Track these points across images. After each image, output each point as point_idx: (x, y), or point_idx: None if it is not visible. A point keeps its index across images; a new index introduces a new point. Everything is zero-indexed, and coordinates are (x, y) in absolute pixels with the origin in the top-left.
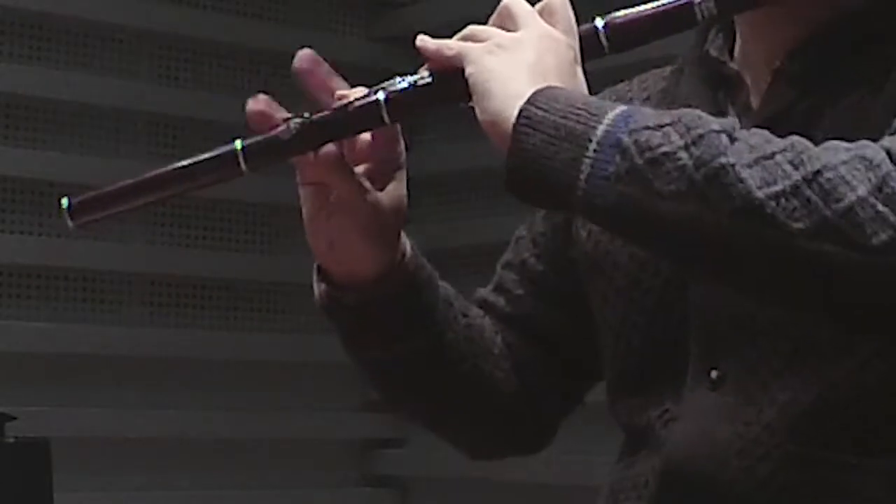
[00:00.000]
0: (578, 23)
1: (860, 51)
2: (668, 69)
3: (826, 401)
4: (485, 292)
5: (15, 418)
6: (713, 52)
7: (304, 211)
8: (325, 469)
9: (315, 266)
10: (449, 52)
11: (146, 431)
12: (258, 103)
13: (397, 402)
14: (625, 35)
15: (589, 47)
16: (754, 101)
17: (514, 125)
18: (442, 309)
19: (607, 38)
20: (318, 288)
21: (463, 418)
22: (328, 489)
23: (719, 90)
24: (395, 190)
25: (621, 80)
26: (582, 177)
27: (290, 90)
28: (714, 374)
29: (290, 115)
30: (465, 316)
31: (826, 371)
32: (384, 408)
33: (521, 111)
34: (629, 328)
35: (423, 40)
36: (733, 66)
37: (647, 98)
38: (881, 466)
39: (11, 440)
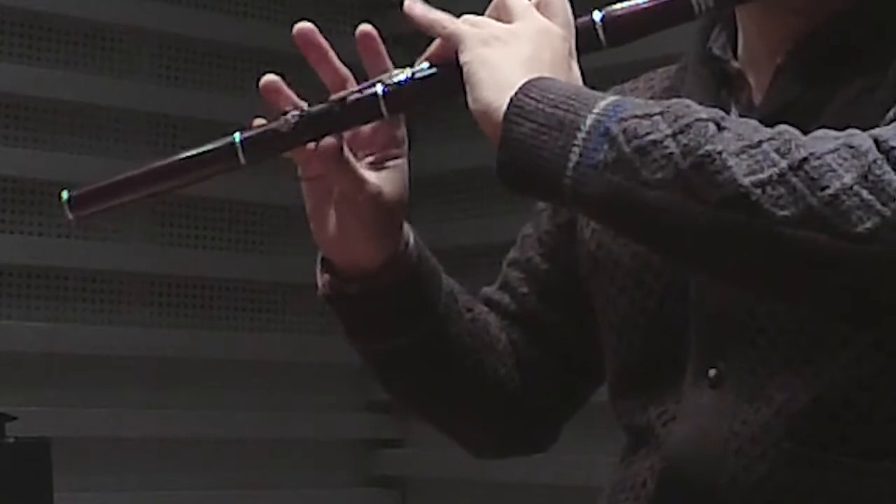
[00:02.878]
0: (576, 16)
1: (860, 46)
2: (674, 67)
3: (823, 400)
4: (490, 291)
5: (15, 418)
6: (716, 51)
7: (307, 203)
8: (325, 469)
9: (319, 256)
10: (443, 30)
11: (146, 431)
12: (271, 82)
13: (401, 395)
14: (622, 28)
15: (586, 41)
16: (757, 99)
17: (505, 114)
18: (445, 301)
19: (605, 30)
20: (321, 278)
21: (466, 414)
22: (328, 489)
23: (722, 89)
24: (397, 180)
25: (628, 79)
26: (570, 165)
27: (291, 89)
28: (712, 372)
29: (288, 108)
30: (469, 311)
31: (823, 368)
32: (384, 408)
33: (511, 101)
34: (631, 328)
35: (410, 5)
36: (736, 64)
37: (652, 97)
38: (885, 471)
39: (11, 440)
